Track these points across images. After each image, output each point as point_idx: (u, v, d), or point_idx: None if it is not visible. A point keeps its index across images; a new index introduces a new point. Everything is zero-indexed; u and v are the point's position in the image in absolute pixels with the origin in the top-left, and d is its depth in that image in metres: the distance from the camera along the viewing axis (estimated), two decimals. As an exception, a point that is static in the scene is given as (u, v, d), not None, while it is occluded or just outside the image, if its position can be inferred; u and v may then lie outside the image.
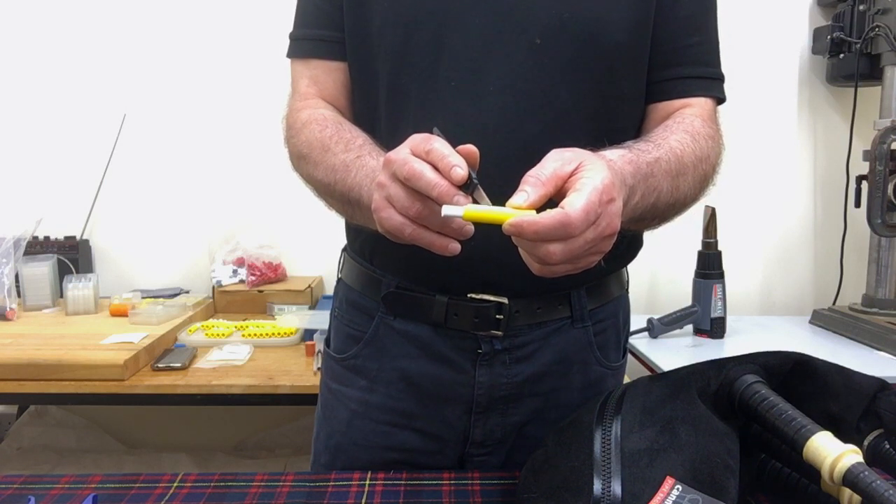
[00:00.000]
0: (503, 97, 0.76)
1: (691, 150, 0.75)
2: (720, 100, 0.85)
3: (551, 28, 0.75)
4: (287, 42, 0.89)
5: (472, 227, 0.59)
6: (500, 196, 0.57)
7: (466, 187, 0.57)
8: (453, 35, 0.77)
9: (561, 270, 0.58)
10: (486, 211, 0.56)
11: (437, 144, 0.58)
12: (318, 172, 0.78)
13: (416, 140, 0.60)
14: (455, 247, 0.60)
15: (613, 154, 0.66)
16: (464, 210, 0.55)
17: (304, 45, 0.87)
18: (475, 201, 0.58)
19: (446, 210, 0.56)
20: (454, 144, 0.59)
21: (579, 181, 0.56)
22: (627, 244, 0.88)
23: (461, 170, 0.56)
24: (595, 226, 0.56)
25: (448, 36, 0.77)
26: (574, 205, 0.54)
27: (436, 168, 0.57)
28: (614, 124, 0.80)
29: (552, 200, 0.56)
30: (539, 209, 0.55)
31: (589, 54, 0.76)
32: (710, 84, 0.84)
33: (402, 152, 0.59)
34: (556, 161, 0.58)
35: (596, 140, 0.66)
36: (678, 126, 0.77)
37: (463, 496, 0.71)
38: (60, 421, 2.08)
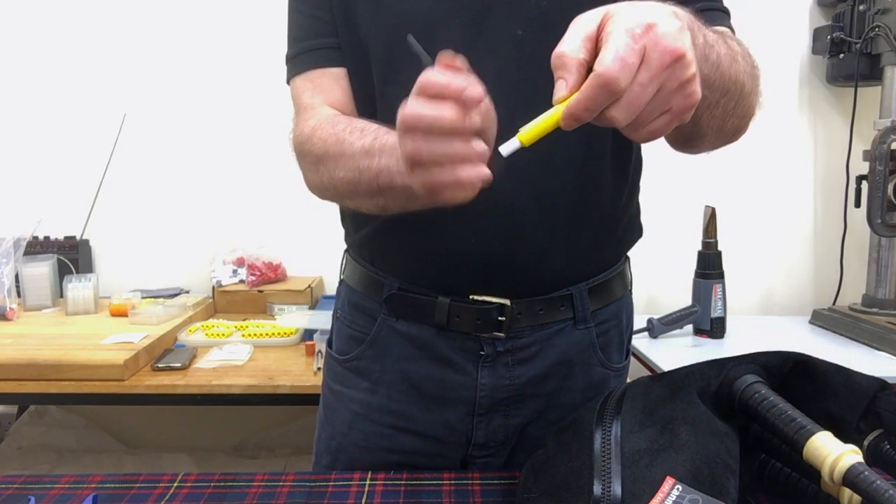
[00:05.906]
0: (491, 94, 0.75)
1: (731, 42, 0.67)
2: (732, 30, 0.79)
3: (531, 18, 0.74)
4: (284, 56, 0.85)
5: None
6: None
7: None
8: (437, 37, 0.75)
9: (660, 126, 0.51)
10: (538, 124, 0.52)
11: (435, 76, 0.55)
12: (339, 170, 0.72)
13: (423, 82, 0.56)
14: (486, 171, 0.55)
15: None
16: (518, 137, 0.52)
17: (303, 58, 0.83)
18: None
19: (505, 148, 0.52)
20: None
21: (606, 33, 0.50)
22: (624, 228, 0.87)
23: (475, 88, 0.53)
24: (645, 64, 0.48)
25: (432, 39, 0.75)
26: (604, 60, 0.48)
27: (458, 101, 0.53)
28: None
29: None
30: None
31: None
32: (722, 16, 0.79)
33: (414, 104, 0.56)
34: (579, 25, 0.51)
35: (588, 128, 0.66)
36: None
37: (463, 496, 0.71)
38: (60, 421, 2.08)
